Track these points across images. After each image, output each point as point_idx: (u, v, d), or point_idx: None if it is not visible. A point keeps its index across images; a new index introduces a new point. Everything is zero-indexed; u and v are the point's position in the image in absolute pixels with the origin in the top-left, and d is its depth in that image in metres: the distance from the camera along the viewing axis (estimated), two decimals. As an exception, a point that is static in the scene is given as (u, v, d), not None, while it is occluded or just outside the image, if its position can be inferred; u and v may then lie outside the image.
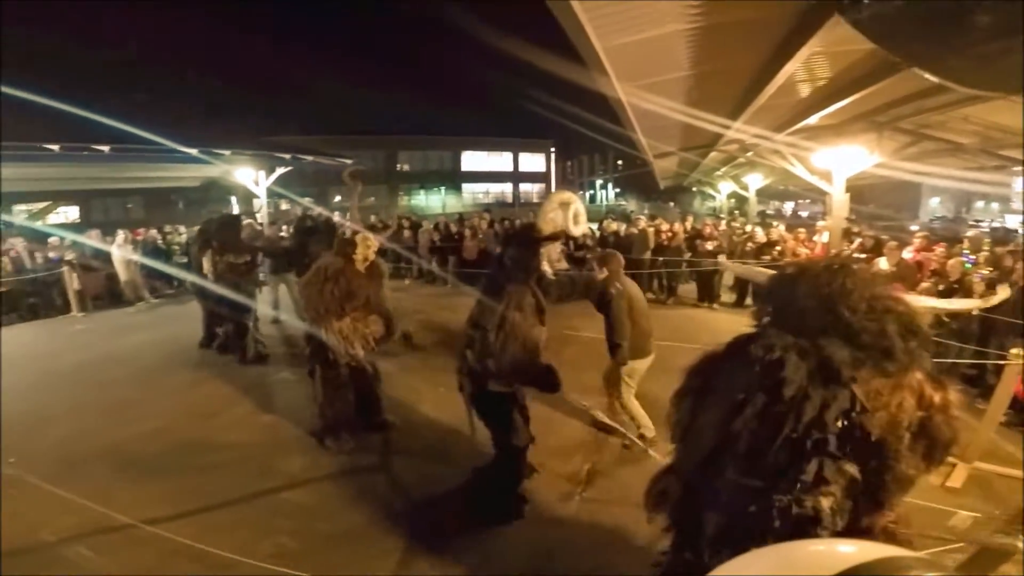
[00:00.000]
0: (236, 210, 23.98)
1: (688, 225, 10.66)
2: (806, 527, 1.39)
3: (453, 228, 12.23)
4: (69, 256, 9.10)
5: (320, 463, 3.92)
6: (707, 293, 9.06)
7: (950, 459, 3.82)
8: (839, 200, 7.89)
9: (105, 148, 9.11)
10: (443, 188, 37.67)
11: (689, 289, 9.64)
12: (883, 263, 6.30)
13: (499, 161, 40.06)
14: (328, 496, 3.55)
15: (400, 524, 3.23)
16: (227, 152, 11.41)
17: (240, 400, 5.14)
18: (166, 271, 9.78)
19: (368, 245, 4.03)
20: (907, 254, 6.39)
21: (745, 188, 15.58)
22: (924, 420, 1.40)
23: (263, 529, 3.17)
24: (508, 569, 2.84)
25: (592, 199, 44.84)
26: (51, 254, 9.46)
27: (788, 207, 29.76)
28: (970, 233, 9.18)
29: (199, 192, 20.49)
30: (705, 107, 7.74)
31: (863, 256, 6.91)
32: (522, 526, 3.16)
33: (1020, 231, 19.18)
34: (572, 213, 3.21)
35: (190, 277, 6.50)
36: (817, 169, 8.30)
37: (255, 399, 5.14)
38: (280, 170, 13.19)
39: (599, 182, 47.20)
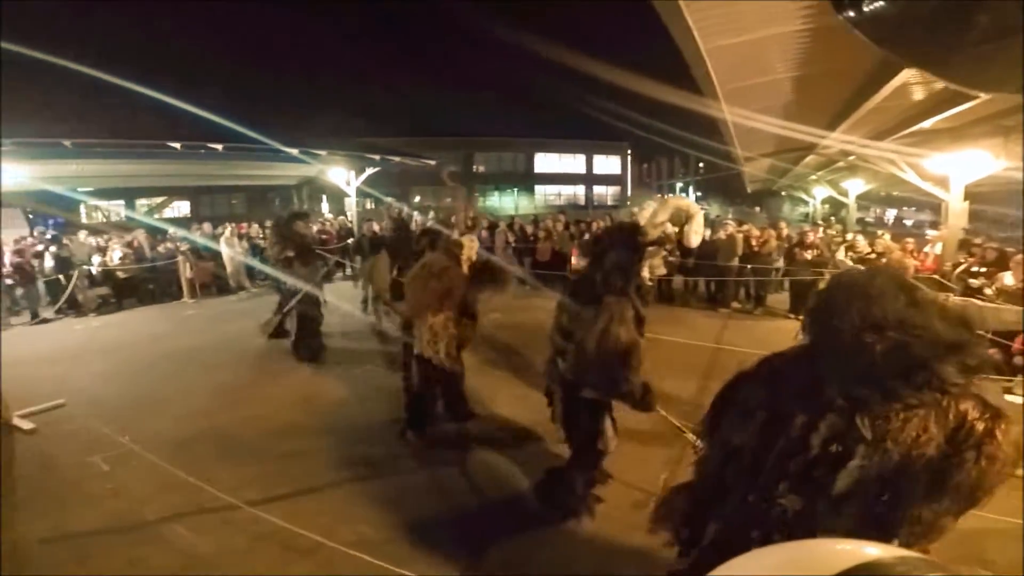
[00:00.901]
0: (326, 208, 25.67)
1: (782, 232, 10.05)
2: None
3: (528, 229, 12.34)
4: (184, 247, 10.17)
5: (401, 453, 4.03)
6: (801, 304, 8.50)
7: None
8: (957, 208, 7.20)
9: (219, 147, 9.95)
10: (516, 190, 38.03)
11: (780, 299, 9.11)
12: (1008, 278, 5.67)
13: (572, 163, 39.87)
14: (406, 487, 3.60)
15: (474, 518, 3.26)
16: (324, 152, 12.10)
17: (331, 389, 5.34)
18: (255, 265, 10.44)
19: (473, 247, 4.15)
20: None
21: (844, 193, 14.48)
22: (948, 457, 1.19)
23: (344, 516, 3.25)
24: (577, 570, 2.83)
25: (670, 203, 43.50)
26: (169, 245, 10.59)
27: (891, 214, 27.29)
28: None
29: (294, 190, 22.00)
30: (807, 109, 7.36)
31: (983, 270, 6.23)
32: (593, 529, 3.12)
33: None
34: (692, 222, 3.12)
35: (271, 271, 6.70)
36: (931, 175, 7.61)
37: (345, 388, 5.33)
38: (369, 170, 13.83)
39: (679, 185, 45.74)
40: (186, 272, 10.00)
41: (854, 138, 7.95)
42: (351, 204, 14.14)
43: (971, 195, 7.52)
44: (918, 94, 6.62)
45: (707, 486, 1.59)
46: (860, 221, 20.00)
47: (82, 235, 10.92)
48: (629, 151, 41.41)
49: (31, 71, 7.52)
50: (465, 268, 4.05)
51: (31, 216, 14.95)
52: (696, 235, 3.49)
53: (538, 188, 38.97)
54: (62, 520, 3.26)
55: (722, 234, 9.48)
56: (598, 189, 40.72)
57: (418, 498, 3.48)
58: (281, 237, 6.18)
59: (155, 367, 6.14)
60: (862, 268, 1.51)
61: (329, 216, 21.95)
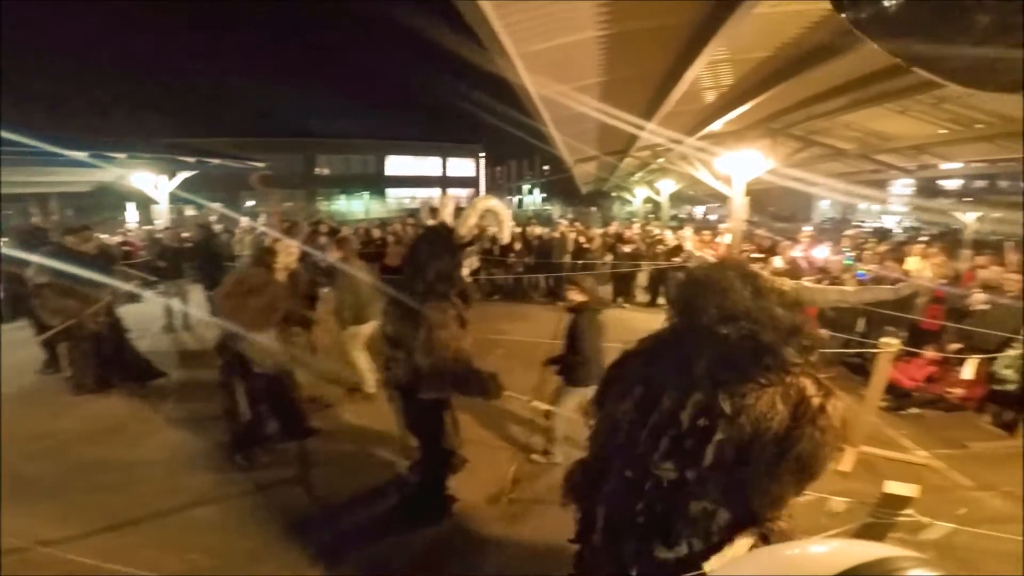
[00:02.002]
0: (134, 217, 22.08)
1: (610, 230, 10.93)
2: (673, 528, 1.41)
3: (375, 233, 11.78)
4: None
5: (232, 479, 3.72)
6: (622, 293, 9.31)
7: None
8: (739, 204, 8.37)
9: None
10: (366, 193, 36.50)
11: (606, 290, 9.82)
12: (777, 261, 6.71)
13: (426, 165, 39.45)
14: (243, 511, 3.37)
15: (323, 533, 3.14)
16: (121, 156, 10.37)
17: (141, 416, 4.75)
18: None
19: (289, 253, 3.94)
20: (797, 253, 6.86)
21: (658, 193, 16.31)
22: (791, 430, 1.30)
23: (172, 547, 2.99)
24: (436, 571, 2.86)
25: (520, 204, 45.30)
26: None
27: (699, 211, 31.63)
28: (850, 232, 10.07)
29: (90, 198, 18.52)
30: (617, 112, 7.94)
31: (760, 256, 7.34)
32: (450, 527, 3.16)
33: (897, 229, 21.56)
34: (501, 221, 3.25)
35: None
36: (720, 174, 8.77)
37: (156, 415, 4.77)
38: (183, 174, 12.31)
39: (527, 187, 47.80)
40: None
41: (662, 138, 8.84)
42: (162, 211, 12.48)
43: (753, 191, 8.84)
44: (709, 97, 7.55)
45: (595, 459, 1.69)
46: (675, 218, 22.81)
47: None
48: (482, 154, 42.17)
49: None
50: (283, 276, 3.89)
51: None
52: (506, 232, 3.72)
53: (391, 191, 37.83)
54: None
55: (556, 233, 10.11)
56: (453, 191, 40.78)
57: (259, 520, 3.27)
58: (52, 256, 5.00)
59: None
60: (713, 261, 1.78)
61: (132, 225, 18.99)
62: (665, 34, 5.10)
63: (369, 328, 4.78)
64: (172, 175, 12.07)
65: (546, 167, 43.27)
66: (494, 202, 3.26)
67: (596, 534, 1.61)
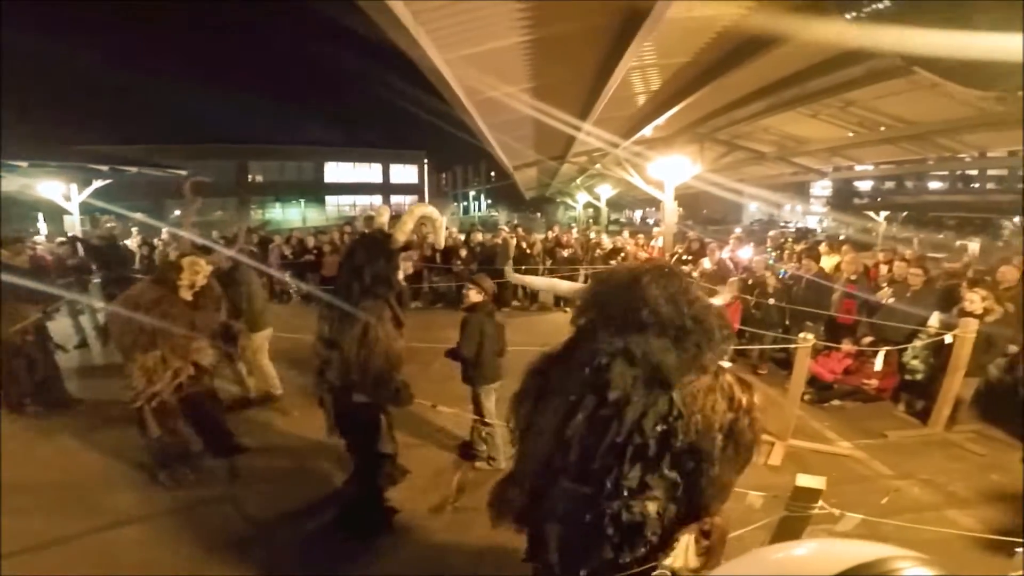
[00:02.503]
0: (44, 228, 20.27)
1: (550, 235, 10.97)
2: (634, 533, 1.44)
3: (310, 242, 11.28)
4: None
5: (156, 498, 3.56)
6: (562, 297, 9.32)
7: (769, 438, 4.17)
8: (670, 208, 8.59)
9: None
10: (303, 200, 35.23)
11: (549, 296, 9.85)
12: (706, 263, 6.90)
13: (368, 172, 38.59)
14: (170, 530, 3.24)
15: (257, 551, 3.03)
16: (22, 164, 9.51)
17: (53, 437, 4.44)
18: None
19: (197, 270, 3.70)
20: (724, 254, 7.08)
21: (597, 198, 16.63)
22: (732, 422, 1.43)
23: (97, 567, 2.87)
24: None
25: (466, 211, 45.12)
26: None
27: (638, 215, 32.61)
28: (772, 233, 10.58)
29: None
30: (549, 120, 7.96)
31: (690, 257, 7.52)
32: (393, 540, 3.10)
33: (818, 229, 23.00)
34: (436, 227, 3.31)
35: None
36: (652, 179, 8.97)
37: (69, 436, 4.45)
38: (97, 183, 11.58)
39: (472, 193, 47.69)
40: None
41: (597, 142, 8.96)
42: (74, 223, 11.69)
43: (683, 195, 9.11)
44: (638, 102, 7.70)
45: (534, 476, 1.63)
46: (616, 222, 23.35)
47: None
48: (426, 160, 41.72)
49: None
50: (188, 294, 3.70)
51: None
52: (441, 237, 3.88)
53: (330, 199, 36.70)
54: None
55: (498, 239, 10.02)
56: (395, 199, 40.03)
57: (188, 539, 3.14)
58: None
59: None
60: (625, 266, 1.68)
61: (41, 239, 17.40)
62: (590, 37, 5.11)
63: (268, 333, 4.91)
64: (85, 184, 11.40)
65: (492, 173, 43.41)
66: (429, 209, 3.29)
67: (552, 552, 1.57)
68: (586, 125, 7.91)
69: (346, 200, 37.22)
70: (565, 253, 9.31)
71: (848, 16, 1.91)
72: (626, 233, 10.65)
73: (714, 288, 6.22)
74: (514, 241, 10.02)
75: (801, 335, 4.09)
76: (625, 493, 1.43)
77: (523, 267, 9.45)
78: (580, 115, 7.71)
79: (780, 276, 6.39)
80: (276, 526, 3.26)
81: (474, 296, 3.73)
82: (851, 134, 8.41)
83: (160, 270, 3.80)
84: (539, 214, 31.12)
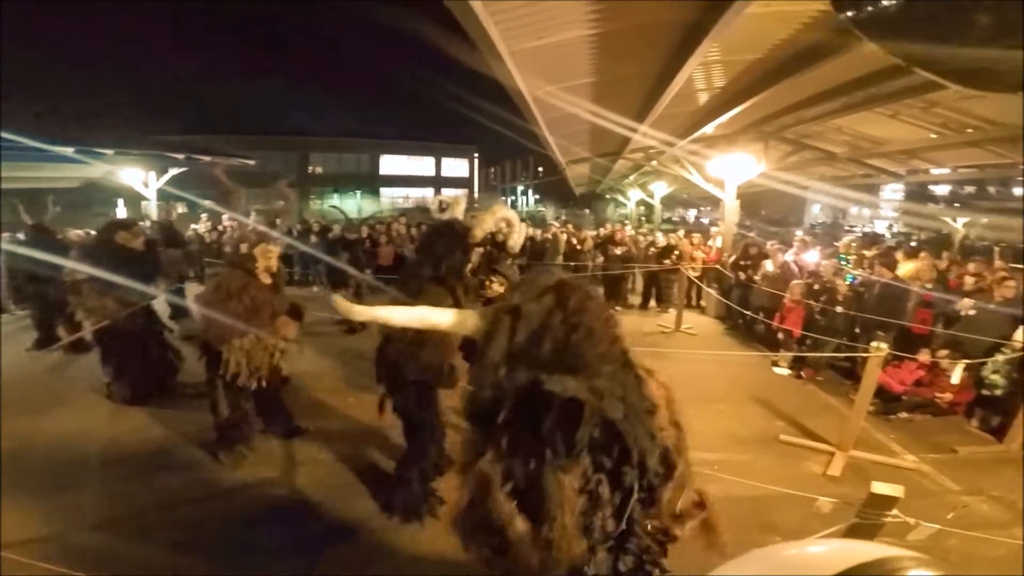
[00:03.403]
0: (123, 213, 21.80)
1: (601, 232, 10.91)
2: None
3: (365, 232, 11.70)
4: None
5: (215, 478, 3.70)
6: (613, 295, 9.30)
7: (828, 448, 4.07)
8: (731, 206, 8.36)
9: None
10: (360, 192, 36.34)
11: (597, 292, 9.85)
12: (768, 265, 6.69)
13: (420, 165, 39.35)
14: (229, 510, 3.36)
15: (305, 533, 3.12)
16: (109, 152, 10.30)
17: (118, 418, 4.61)
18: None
19: (269, 256, 3.91)
20: (788, 257, 6.84)
21: (651, 196, 16.32)
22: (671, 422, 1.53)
23: (158, 545, 2.96)
24: (424, 572, 2.84)
25: (513, 205, 45.35)
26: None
27: (691, 214, 31.74)
28: (845, 239, 10.11)
29: (80, 194, 18.37)
30: (608, 114, 7.92)
31: (750, 260, 7.32)
32: (435, 530, 3.07)
33: (887, 235, 21.72)
34: (513, 231, 3.32)
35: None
36: (712, 177, 8.75)
37: (139, 413, 4.65)
38: (173, 171, 12.42)
39: (519, 188, 47.82)
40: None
41: (655, 140, 8.84)
42: (151, 208, 12.49)
43: (744, 195, 8.83)
44: (701, 99, 7.54)
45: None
46: (668, 220, 22.85)
47: None
48: (476, 154, 42.15)
49: None
50: (267, 278, 3.90)
51: None
52: (517, 241, 3.70)
53: (384, 191, 37.69)
54: None
55: (548, 235, 10.07)
56: (446, 191, 40.75)
57: (243, 519, 3.25)
58: (91, 253, 4.92)
59: None
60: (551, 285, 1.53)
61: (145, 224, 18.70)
62: (657, 33, 5.07)
63: None
64: (163, 172, 12.19)
65: (540, 168, 43.35)
66: (511, 213, 3.38)
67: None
68: (645, 125, 7.84)
69: (399, 192, 38.13)
70: (618, 251, 9.20)
71: (848, 15, 1.86)
72: (681, 232, 10.43)
73: (777, 292, 6.12)
74: (564, 237, 10.04)
75: (873, 344, 3.94)
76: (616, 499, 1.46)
77: (573, 264, 9.49)
78: (640, 112, 7.64)
79: (849, 282, 6.13)
80: (323, 507, 3.34)
81: (497, 287, 3.69)
82: (933, 136, 7.92)
83: (237, 260, 3.98)
84: (587, 210, 30.82)
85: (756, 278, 6.92)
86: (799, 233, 10.28)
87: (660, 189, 15.63)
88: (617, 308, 8.99)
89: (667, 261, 8.37)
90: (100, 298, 4.63)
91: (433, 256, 3.04)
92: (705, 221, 26.73)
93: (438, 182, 39.98)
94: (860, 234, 18.89)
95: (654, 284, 8.88)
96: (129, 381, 4.87)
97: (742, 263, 7.43)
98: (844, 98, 6.29)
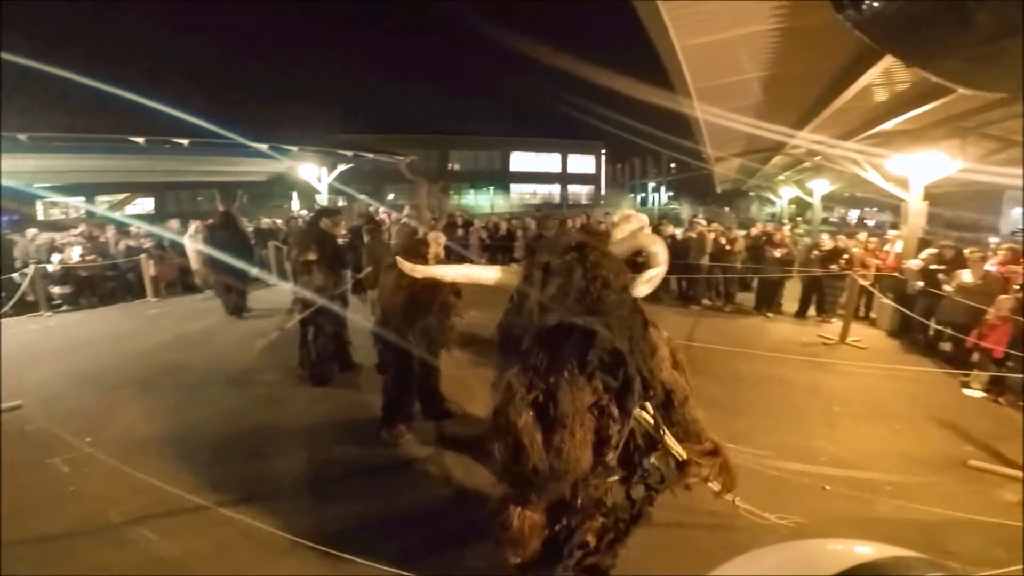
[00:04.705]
0: (296, 205, 24.97)
1: (753, 231, 10.28)
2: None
3: (503, 227, 12.36)
4: (147, 245, 9.80)
5: (374, 453, 4.01)
6: (767, 301, 8.76)
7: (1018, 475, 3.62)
8: (916, 208, 7.50)
9: (184, 142, 9.54)
10: (492, 188, 37.97)
11: (746, 297, 9.37)
12: (966, 275, 5.94)
13: (547, 162, 40.00)
14: (378, 485, 3.60)
15: (451, 516, 3.26)
16: (294, 148, 11.83)
17: (302, 388, 5.24)
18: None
19: (439, 243, 4.16)
20: (990, 267, 5.99)
21: (809, 194, 14.90)
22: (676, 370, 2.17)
23: (318, 515, 3.22)
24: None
25: (643, 202, 44.13)
26: (131, 243, 10.18)
27: (853, 215, 28.25)
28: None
29: (264, 187, 21.45)
30: (776, 109, 7.54)
31: (942, 267, 6.51)
32: None
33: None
34: (652, 259, 3.02)
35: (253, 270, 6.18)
36: (892, 175, 7.89)
37: (315, 389, 5.23)
38: (341, 167, 13.68)
39: (651, 185, 46.36)
40: (150, 270, 9.69)
41: (822, 137, 8.18)
42: (323, 201, 13.99)
43: (928, 196, 7.84)
44: (881, 95, 6.86)
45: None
46: (825, 221, 20.65)
47: (30, 232, 10.08)
48: (603, 151, 41.75)
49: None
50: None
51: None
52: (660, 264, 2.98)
53: (513, 187, 38.97)
54: (22, 524, 3.13)
55: (693, 233, 9.66)
56: (573, 188, 40.94)
57: (392, 495, 3.48)
58: (304, 236, 5.52)
59: (116, 367, 5.93)
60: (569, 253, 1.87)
61: (304, 212, 21.57)
62: (843, 32, 4.77)
63: None
64: (332, 168, 13.43)
65: (673, 164, 41.63)
66: (658, 248, 2.89)
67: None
68: (815, 121, 7.32)
69: (528, 188, 39.14)
70: (777, 253, 8.61)
71: (847, 15, 1.69)
72: (862, 235, 9.33)
73: (975, 305, 5.42)
74: (712, 236, 9.59)
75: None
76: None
77: (721, 264, 9.08)
78: (812, 108, 7.17)
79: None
80: (470, 492, 3.45)
81: None
82: None
83: (411, 246, 4.17)
84: (728, 208, 28.93)
85: (948, 288, 6.17)
86: (994, 240, 8.84)
87: (821, 187, 14.15)
88: (768, 315, 8.53)
89: (834, 266, 7.72)
90: (326, 279, 5.15)
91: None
92: (870, 223, 23.72)
93: (564, 178, 40.32)
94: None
95: (815, 291, 8.18)
96: (326, 360, 5.36)
97: (933, 270, 6.63)
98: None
